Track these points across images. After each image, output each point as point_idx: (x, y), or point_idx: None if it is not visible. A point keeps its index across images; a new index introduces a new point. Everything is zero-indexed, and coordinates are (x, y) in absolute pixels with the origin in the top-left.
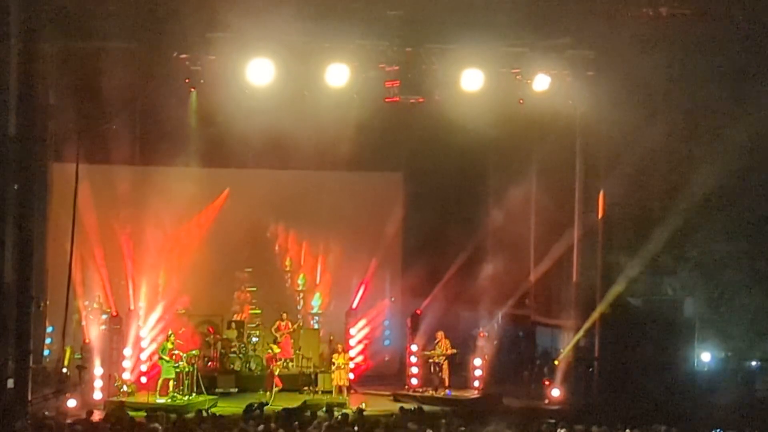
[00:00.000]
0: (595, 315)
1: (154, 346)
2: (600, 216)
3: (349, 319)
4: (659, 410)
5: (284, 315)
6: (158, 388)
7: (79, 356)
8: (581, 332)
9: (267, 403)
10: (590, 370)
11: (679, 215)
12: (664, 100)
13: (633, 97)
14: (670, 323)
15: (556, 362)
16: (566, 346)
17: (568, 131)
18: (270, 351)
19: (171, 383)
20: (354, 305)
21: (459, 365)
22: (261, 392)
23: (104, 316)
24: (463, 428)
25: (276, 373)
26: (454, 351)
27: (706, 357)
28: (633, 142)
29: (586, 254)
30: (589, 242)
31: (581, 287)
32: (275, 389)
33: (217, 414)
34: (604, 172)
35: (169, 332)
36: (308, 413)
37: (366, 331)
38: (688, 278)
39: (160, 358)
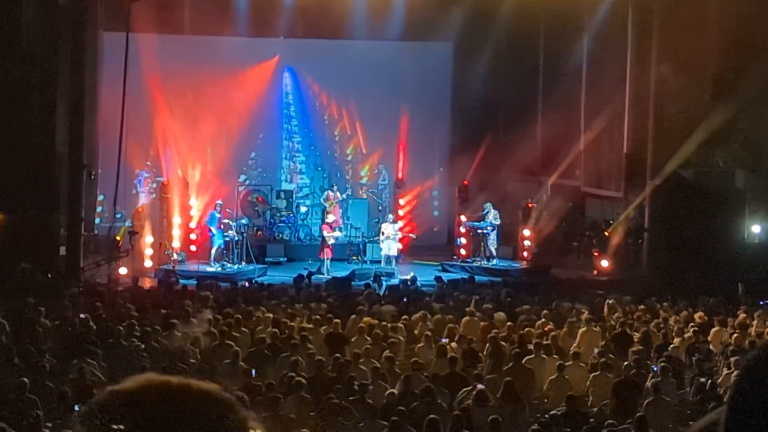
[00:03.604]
0: (647, 187)
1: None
2: (651, 84)
3: (398, 190)
4: (708, 282)
5: (334, 185)
6: (212, 257)
7: (131, 224)
8: (633, 204)
9: (315, 272)
10: (639, 241)
11: (732, 84)
12: None
13: None
14: (720, 195)
15: (606, 233)
16: (616, 217)
17: None
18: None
19: (214, 251)
20: (399, 174)
21: (508, 236)
22: (309, 261)
23: (155, 185)
24: (510, 298)
25: (330, 242)
26: (501, 221)
27: (756, 229)
28: (687, 5)
29: (637, 124)
30: (639, 112)
31: (631, 158)
32: (326, 259)
33: (267, 283)
34: (656, 37)
35: (218, 201)
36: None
37: (415, 201)
38: (739, 149)
39: (209, 229)
